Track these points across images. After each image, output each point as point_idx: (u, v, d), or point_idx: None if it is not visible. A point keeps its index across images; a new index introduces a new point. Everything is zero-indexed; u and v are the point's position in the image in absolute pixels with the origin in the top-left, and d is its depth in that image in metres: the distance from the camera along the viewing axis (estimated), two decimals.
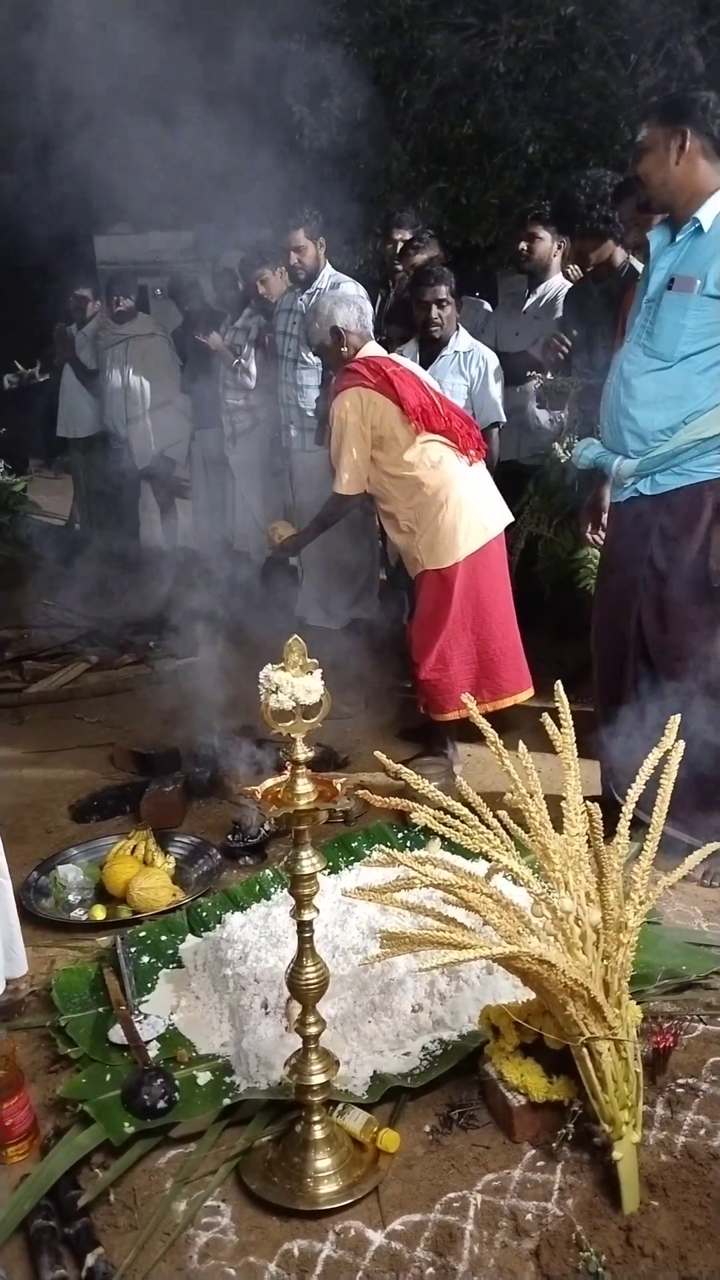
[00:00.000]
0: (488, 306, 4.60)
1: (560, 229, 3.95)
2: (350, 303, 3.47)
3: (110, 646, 4.82)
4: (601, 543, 3.05)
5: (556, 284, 4.21)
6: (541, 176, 5.45)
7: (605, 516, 2.99)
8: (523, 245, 4.18)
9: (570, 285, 4.10)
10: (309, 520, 4.64)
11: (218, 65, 4.02)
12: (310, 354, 4.31)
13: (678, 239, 2.55)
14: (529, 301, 4.27)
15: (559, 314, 4.05)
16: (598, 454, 2.75)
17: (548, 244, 4.17)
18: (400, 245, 4.50)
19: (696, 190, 2.50)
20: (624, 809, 1.83)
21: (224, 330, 5.22)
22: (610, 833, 1.80)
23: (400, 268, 4.51)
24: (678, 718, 1.91)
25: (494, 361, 3.85)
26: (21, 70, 3.59)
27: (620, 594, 2.78)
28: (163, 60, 3.65)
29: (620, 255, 3.65)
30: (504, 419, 3.88)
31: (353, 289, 4.49)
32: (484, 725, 1.93)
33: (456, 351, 3.79)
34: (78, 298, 6.05)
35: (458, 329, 3.83)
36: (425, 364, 3.80)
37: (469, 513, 3.27)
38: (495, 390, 3.83)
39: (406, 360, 3.53)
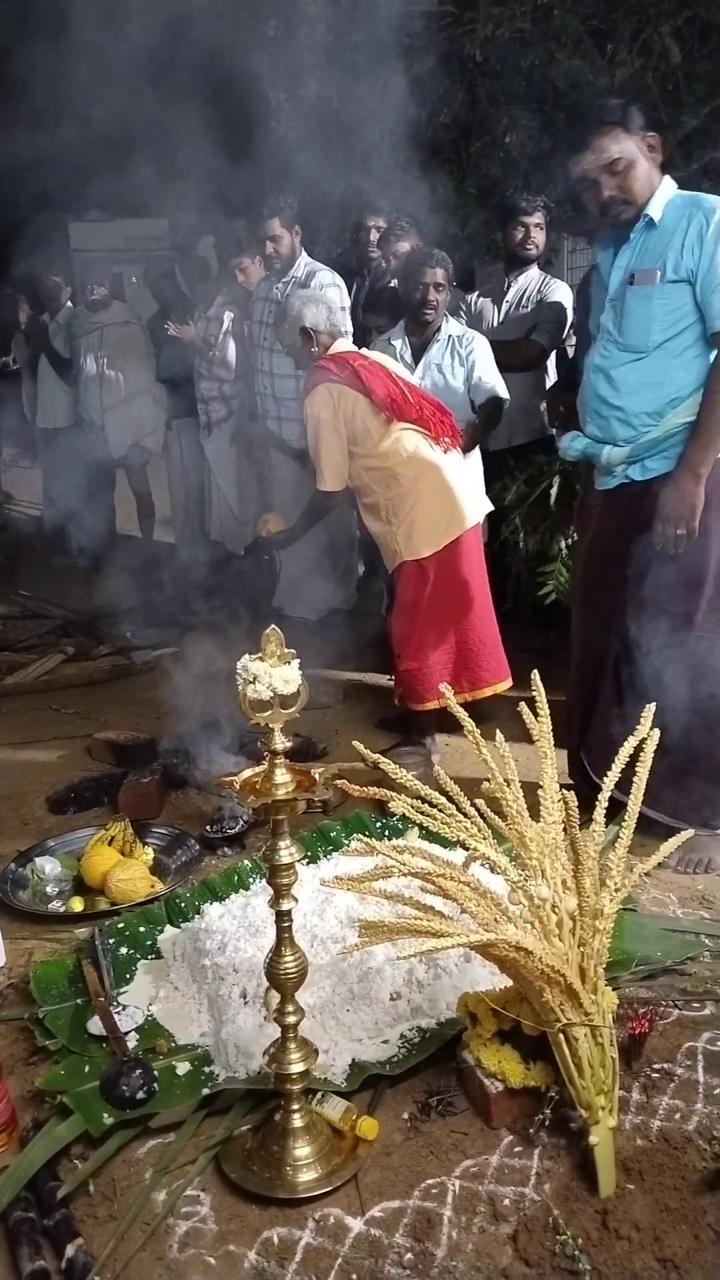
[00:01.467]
0: (468, 297, 4.58)
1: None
2: (318, 302, 3.47)
3: (87, 637, 4.79)
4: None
5: (535, 274, 4.22)
6: (519, 166, 5.44)
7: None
8: (533, 234, 4.16)
9: (546, 276, 4.12)
10: (292, 508, 4.64)
11: (193, 51, 3.98)
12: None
13: (631, 237, 2.60)
14: (510, 291, 4.26)
15: (545, 301, 4.06)
16: (585, 445, 2.77)
17: (544, 234, 4.17)
18: (374, 232, 4.48)
19: (650, 190, 2.56)
20: (601, 793, 1.85)
21: (196, 319, 5.19)
22: (586, 815, 1.82)
23: (376, 255, 4.49)
24: (653, 706, 1.93)
25: (486, 343, 3.84)
26: None
27: (606, 579, 2.81)
28: (137, 46, 3.61)
29: None
30: (508, 396, 3.81)
31: (329, 277, 4.47)
32: (461, 714, 1.94)
33: (451, 335, 3.76)
34: (50, 285, 5.98)
35: (446, 316, 3.80)
36: (418, 350, 3.78)
37: (446, 502, 3.27)
38: (493, 367, 3.81)
39: (378, 354, 3.52)
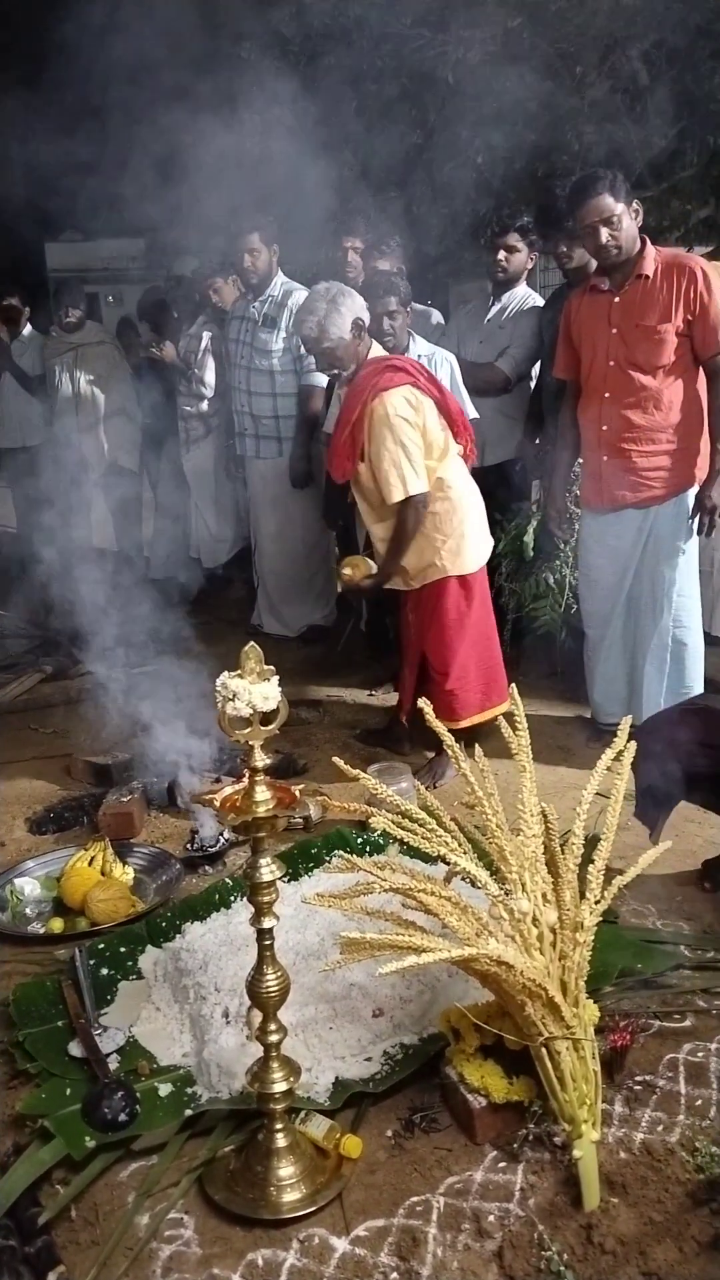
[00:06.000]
0: (438, 318, 4.59)
1: (544, 233, 3.99)
2: (345, 294, 3.22)
3: (64, 657, 4.76)
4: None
5: (521, 293, 4.23)
6: (491, 186, 5.51)
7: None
8: (501, 255, 4.14)
9: (531, 295, 4.15)
10: (278, 529, 4.65)
11: (169, 71, 4.02)
12: (302, 357, 4.30)
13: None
14: (493, 310, 4.26)
15: (526, 323, 4.09)
16: None
17: (523, 255, 4.17)
18: (351, 253, 4.50)
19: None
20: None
21: (178, 338, 5.20)
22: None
23: (352, 275, 4.51)
24: (629, 718, 1.95)
25: (455, 361, 3.86)
26: None
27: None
28: (113, 66, 3.64)
29: (585, 261, 3.69)
30: (477, 415, 3.87)
31: (305, 297, 4.50)
32: (440, 729, 1.95)
33: (420, 355, 3.79)
34: (6, 308, 5.94)
35: (412, 336, 3.83)
36: None
37: (484, 517, 3.35)
38: (462, 388, 3.84)
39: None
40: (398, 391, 3.12)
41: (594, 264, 3.64)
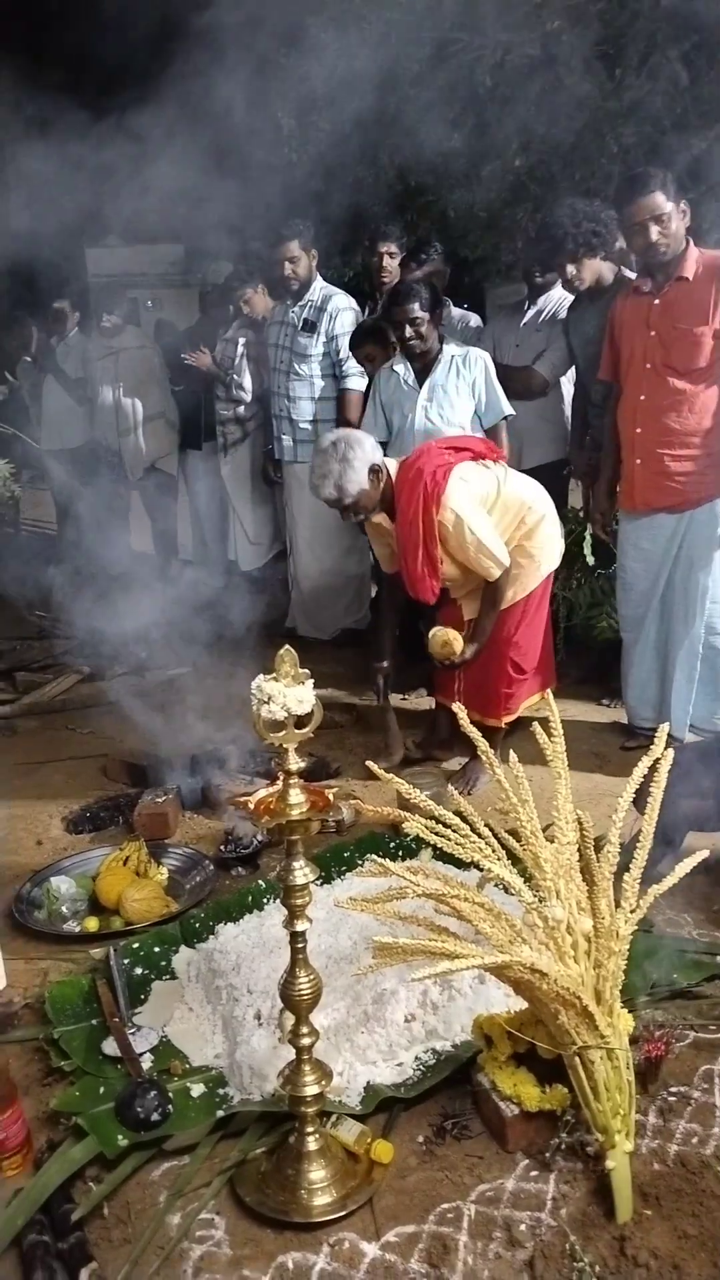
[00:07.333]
0: (475, 321, 4.60)
1: (547, 259, 3.96)
2: (360, 441, 3.15)
3: (102, 658, 4.81)
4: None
5: (558, 296, 4.21)
6: (528, 189, 5.49)
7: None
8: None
9: (571, 298, 4.12)
10: (311, 532, 4.67)
11: (206, 78, 4.04)
12: (313, 374, 4.33)
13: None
14: (529, 313, 4.25)
15: (555, 328, 4.08)
16: None
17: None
18: (386, 258, 4.51)
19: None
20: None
21: (215, 341, 5.24)
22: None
23: (387, 279, 4.52)
24: (666, 726, 1.93)
25: (489, 359, 3.86)
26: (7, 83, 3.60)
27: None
28: (152, 73, 3.67)
29: (609, 271, 3.67)
30: (513, 411, 3.86)
31: (345, 300, 4.51)
32: (475, 735, 1.94)
33: (453, 356, 3.79)
34: (55, 311, 6.04)
35: (444, 339, 3.83)
36: (422, 375, 3.81)
37: (554, 513, 3.39)
38: (497, 385, 3.83)
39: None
40: (449, 487, 3.07)
41: (609, 278, 3.64)
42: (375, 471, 3.12)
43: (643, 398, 3.29)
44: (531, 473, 4.05)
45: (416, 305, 3.65)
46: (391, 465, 3.21)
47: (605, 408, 3.59)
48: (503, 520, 3.24)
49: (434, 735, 3.66)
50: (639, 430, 3.31)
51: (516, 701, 3.41)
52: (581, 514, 4.03)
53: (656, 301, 3.22)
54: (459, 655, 3.16)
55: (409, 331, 3.66)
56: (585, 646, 4.08)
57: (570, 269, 3.66)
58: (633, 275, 3.54)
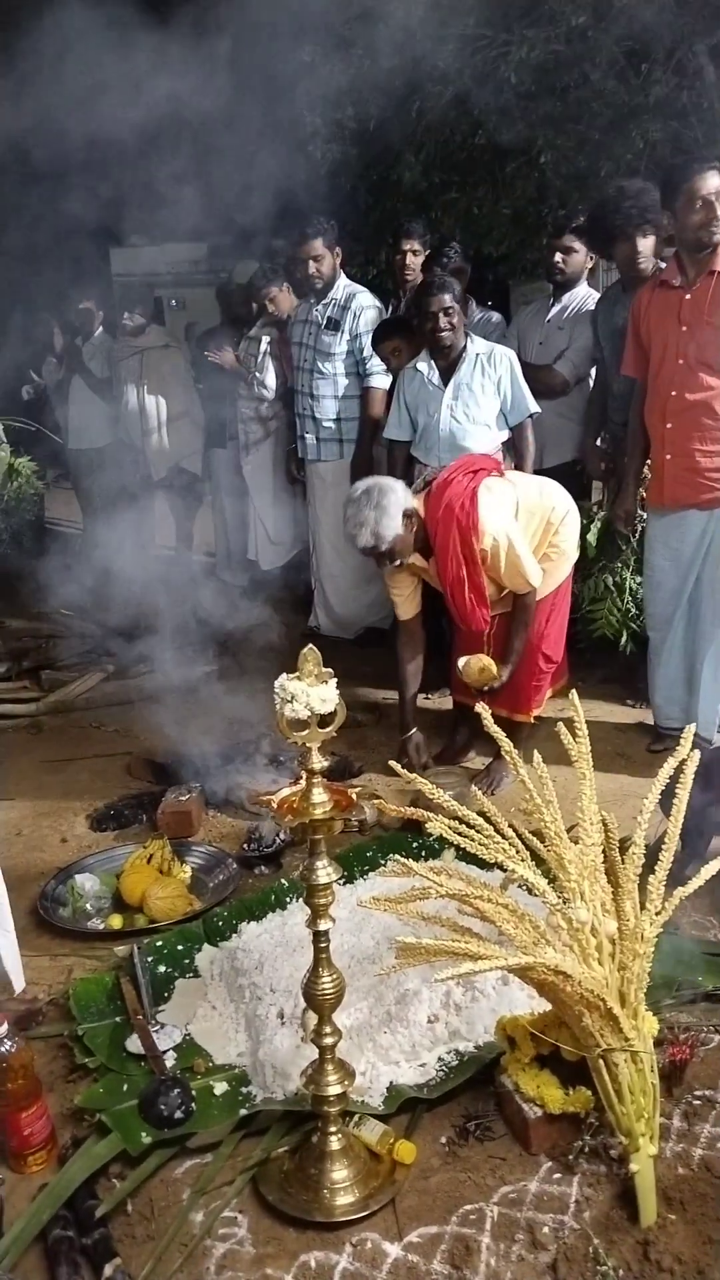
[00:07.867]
0: (497, 318, 4.58)
1: (594, 241, 3.94)
2: (392, 487, 3.13)
3: (125, 656, 4.83)
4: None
5: (582, 293, 4.18)
6: (554, 186, 5.46)
7: None
8: (558, 257, 4.13)
9: (596, 295, 4.09)
10: (333, 530, 4.66)
11: (231, 77, 4.05)
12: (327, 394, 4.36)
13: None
14: (553, 311, 4.23)
15: (585, 324, 4.05)
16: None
17: (581, 256, 4.14)
18: (410, 256, 4.50)
19: None
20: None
21: (238, 339, 5.25)
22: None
23: (411, 277, 4.52)
24: (693, 727, 1.92)
25: (514, 356, 3.84)
26: (31, 83, 3.62)
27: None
28: (177, 71, 3.68)
29: (649, 260, 3.63)
30: (539, 409, 3.84)
31: (368, 299, 4.51)
32: (499, 735, 1.94)
33: (477, 354, 3.77)
34: (82, 310, 6.07)
35: (469, 335, 3.81)
36: (447, 374, 3.79)
37: (572, 504, 3.41)
38: (523, 383, 3.82)
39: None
40: (481, 512, 3.07)
41: (650, 268, 3.60)
42: (409, 516, 3.12)
43: (673, 393, 3.25)
44: (551, 472, 4.04)
45: (449, 296, 3.66)
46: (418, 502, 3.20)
47: (628, 403, 3.56)
48: (530, 524, 3.24)
49: (453, 744, 3.65)
50: (669, 426, 3.29)
51: (544, 694, 3.43)
52: (594, 509, 3.98)
53: (688, 296, 3.19)
54: (497, 679, 3.18)
55: (442, 322, 3.65)
56: (605, 645, 4.04)
57: (641, 244, 3.58)
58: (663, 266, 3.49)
